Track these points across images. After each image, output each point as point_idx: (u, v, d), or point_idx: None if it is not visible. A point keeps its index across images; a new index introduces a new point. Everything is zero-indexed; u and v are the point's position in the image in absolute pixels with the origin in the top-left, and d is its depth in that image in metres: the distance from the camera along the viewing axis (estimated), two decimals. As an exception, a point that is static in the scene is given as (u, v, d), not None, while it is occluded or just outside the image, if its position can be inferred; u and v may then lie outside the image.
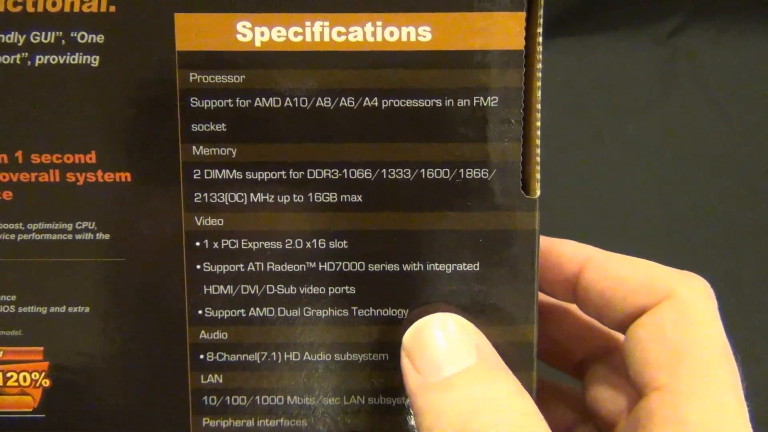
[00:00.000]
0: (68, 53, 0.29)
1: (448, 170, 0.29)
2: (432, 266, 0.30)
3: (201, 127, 0.29)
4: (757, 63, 0.69)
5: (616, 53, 0.69)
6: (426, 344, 0.29)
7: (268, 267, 0.30)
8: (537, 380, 0.37)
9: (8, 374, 0.31)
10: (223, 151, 0.29)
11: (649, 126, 0.68)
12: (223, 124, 0.29)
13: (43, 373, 0.31)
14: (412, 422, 0.31)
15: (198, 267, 0.30)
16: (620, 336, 0.36)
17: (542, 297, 0.39)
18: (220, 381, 0.31)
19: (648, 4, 0.70)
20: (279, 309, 0.30)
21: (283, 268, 0.30)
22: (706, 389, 0.28)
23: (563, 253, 0.33)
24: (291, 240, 0.30)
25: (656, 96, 0.68)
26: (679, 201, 0.66)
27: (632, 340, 0.31)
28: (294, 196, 0.30)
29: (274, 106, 0.29)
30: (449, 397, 0.27)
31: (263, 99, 0.29)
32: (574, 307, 0.38)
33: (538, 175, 0.29)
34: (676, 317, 0.30)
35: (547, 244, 0.34)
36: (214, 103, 0.29)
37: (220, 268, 0.30)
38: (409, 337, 0.30)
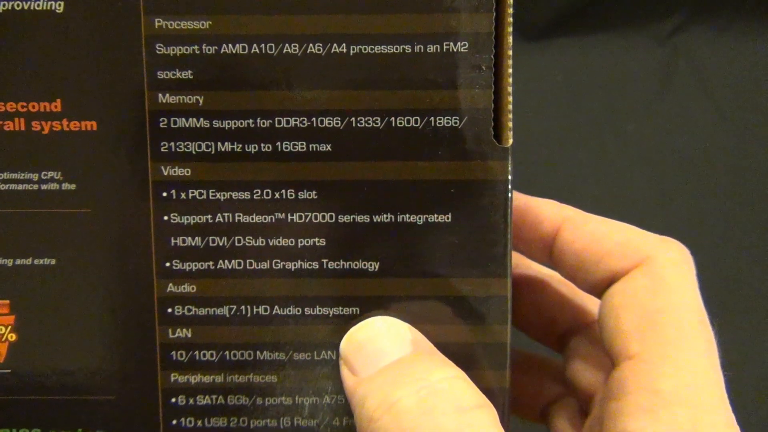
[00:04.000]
0: (33, -1, 0.29)
1: (418, 118, 0.29)
2: (403, 217, 0.30)
3: (167, 75, 0.29)
4: (757, 63, 0.69)
5: (616, 53, 0.69)
6: (359, 346, 0.29)
7: (237, 218, 0.30)
8: (513, 353, 0.37)
9: (-26, 328, 0.30)
10: (190, 99, 0.29)
11: (649, 126, 0.67)
12: (189, 71, 0.29)
13: (9, 327, 0.30)
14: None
15: (165, 218, 0.30)
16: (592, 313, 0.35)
17: (522, 269, 0.38)
18: (189, 335, 0.30)
19: (648, 4, 0.69)
20: (248, 261, 0.30)
21: (252, 219, 0.30)
22: (679, 357, 0.28)
23: (542, 212, 0.33)
24: (259, 190, 0.29)
25: (656, 96, 0.68)
26: (678, 201, 0.66)
27: (606, 307, 0.30)
28: (262, 145, 0.29)
29: (241, 52, 0.29)
30: (379, 381, 0.27)
31: (230, 45, 0.29)
32: (553, 279, 0.37)
33: (510, 124, 0.29)
34: (651, 283, 0.29)
35: (526, 202, 0.33)
36: (180, 50, 0.29)
37: (187, 219, 0.30)
38: (343, 344, 0.30)
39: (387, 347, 0.28)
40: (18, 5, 0.29)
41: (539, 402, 0.37)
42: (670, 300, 0.29)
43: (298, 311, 0.30)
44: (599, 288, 0.31)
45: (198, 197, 0.29)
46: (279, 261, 0.30)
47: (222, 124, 0.29)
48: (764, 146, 0.67)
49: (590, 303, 0.36)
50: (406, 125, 0.29)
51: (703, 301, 0.30)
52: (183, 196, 0.29)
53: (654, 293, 0.29)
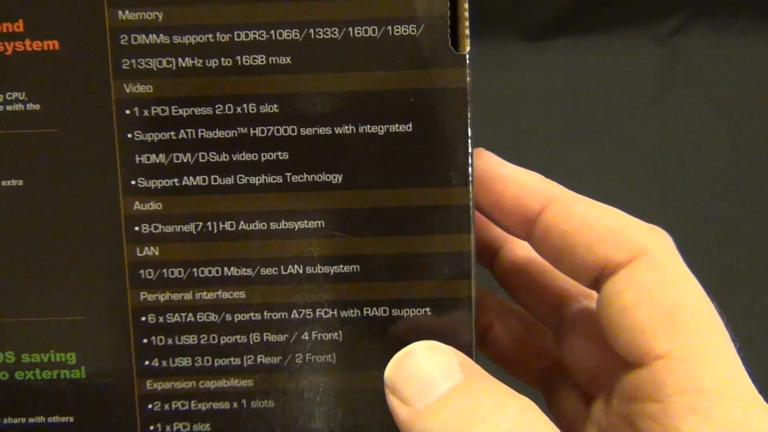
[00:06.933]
0: None
1: (375, 28, 0.29)
2: (364, 128, 0.30)
3: None
4: (757, 63, 0.69)
5: (616, 53, 0.69)
6: (409, 373, 0.28)
7: (200, 134, 0.30)
8: (518, 312, 0.37)
9: (-56, 251, 0.30)
10: (150, 15, 0.29)
11: (649, 126, 0.67)
12: None
13: (-21, 249, 0.30)
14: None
15: (129, 136, 0.30)
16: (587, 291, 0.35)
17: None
18: (156, 253, 0.30)
19: (648, 4, 0.70)
20: (212, 177, 0.30)
21: (215, 134, 0.30)
22: (712, 353, 0.27)
23: (528, 185, 0.32)
24: (221, 105, 0.30)
25: (656, 96, 0.68)
26: (679, 201, 0.66)
27: (616, 304, 0.29)
28: (222, 59, 0.29)
29: None
30: (444, 414, 0.27)
31: None
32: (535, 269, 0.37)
33: (467, 31, 0.29)
34: (659, 277, 0.28)
35: (511, 171, 0.32)
36: None
37: (151, 136, 0.30)
38: (389, 372, 0.29)
39: (437, 374, 0.28)
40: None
41: (536, 365, 0.37)
42: (683, 293, 0.28)
43: (264, 226, 0.30)
44: (585, 273, 0.30)
45: (161, 114, 0.30)
46: (243, 176, 0.30)
47: (182, 40, 0.29)
48: (764, 146, 0.66)
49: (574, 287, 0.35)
50: (364, 35, 0.29)
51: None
52: (146, 113, 0.30)
53: (666, 288, 0.28)
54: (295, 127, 0.30)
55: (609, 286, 0.29)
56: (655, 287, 0.28)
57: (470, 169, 0.30)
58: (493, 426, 0.25)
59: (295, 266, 0.30)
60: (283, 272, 0.30)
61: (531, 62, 0.69)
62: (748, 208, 0.64)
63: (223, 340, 0.31)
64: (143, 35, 0.29)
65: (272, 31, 0.29)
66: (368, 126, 0.30)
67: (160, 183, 0.30)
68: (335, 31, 0.29)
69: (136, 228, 0.30)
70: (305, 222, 0.30)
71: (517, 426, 0.26)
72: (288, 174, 0.30)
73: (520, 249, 0.37)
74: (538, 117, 0.67)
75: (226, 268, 0.30)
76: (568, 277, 0.33)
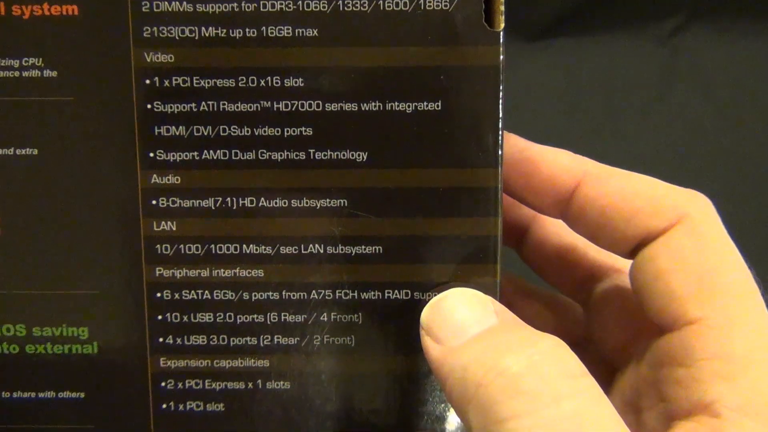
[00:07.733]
0: None
1: (407, 1, 0.28)
2: (391, 105, 0.29)
3: None
4: (757, 63, 0.69)
5: (616, 53, 0.69)
6: (445, 316, 0.28)
7: (221, 107, 0.29)
8: (537, 290, 0.36)
9: (-45, 220, 0.29)
10: None
11: (649, 126, 0.67)
12: None
13: (-8, 219, 0.29)
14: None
15: (149, 106, 0.29)
16: (616, 260, 0.34)
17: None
18: (174, 228, 0.29)
19: (648, 4, 0.70)
20: (233, 152, 0.29)
21: (237, 107, 0.29)
22: (744, 319, 0.27)
23: (559, 163, 0.31)
24: (244, 77, 0.29)
25: (656, 96, 0.68)
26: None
27: (650, 270, 0.29)
28: (247, 30, 0.29)
29: None
30: (474, 350, 0.26)
31: None
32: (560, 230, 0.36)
33: (502, 8, 0.28)
34: (695, 243, 0.28)
35: (540, 152, 0.31)
36: None
37: (171, 107, 0.29)
38: (426, 314, 0.28)
39: (473, 317, 0.27)
40: None
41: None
42: (720, 259, 0.28)
43: (285, 203, 0.29)
44: (626, 246, 0.30)
45: (182, 85, 0.29)
46: (265, 151, 0.29)
47: (206, 8, 0.28)
48: (764, 146, 0.66)
49: (600, 256, 0.35)
50: (395, 8, 0.28)
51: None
52: (166, 83, 0.29)
53: (702, 253, 0.28)
54: (320, 102, 0.29)
55: (645, 252, 0.29)
56: (691, 253, 0.28)
57: (500, 150, 0.29)
58: (524, 357, 0.25)
59: (316, 245, 0.29)
60: (303, 251, 0.30)
61: (531, 62, 0.68)
62: (748, 208, 0.64)
63: (240, 318, 0.30)
64: (165, 2, 0.28)
65: (299, 2, 0.28)
66: (396, 103, 0.29)
67: (179, 156, 0.29)
68: (365, 3, 0.28)
69: (153, 202, 0.29)
70: (328, 200, 0.29)
71: (545, 358, 0.25)
72: (311, 150, 0.29)
73: (549, 226, 0.36)
74: (538, 117, 0.67)
75: (244, 246, 0.30)
76: (598, 252, 0.33)
